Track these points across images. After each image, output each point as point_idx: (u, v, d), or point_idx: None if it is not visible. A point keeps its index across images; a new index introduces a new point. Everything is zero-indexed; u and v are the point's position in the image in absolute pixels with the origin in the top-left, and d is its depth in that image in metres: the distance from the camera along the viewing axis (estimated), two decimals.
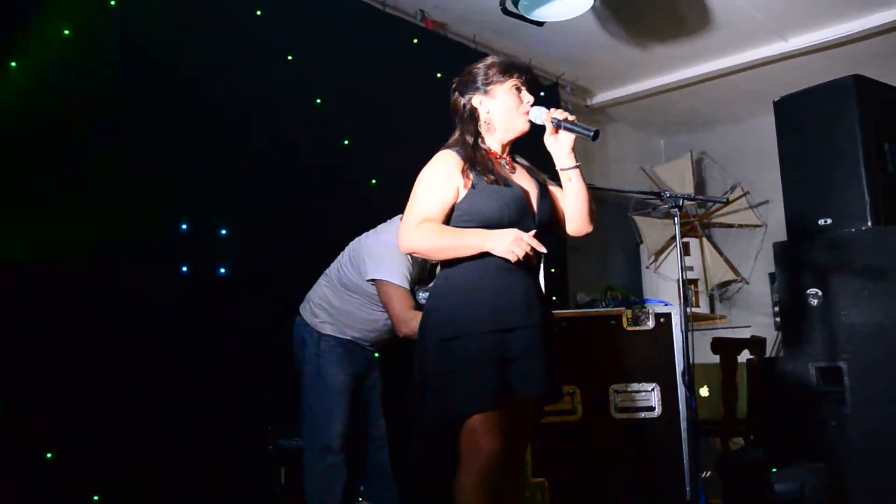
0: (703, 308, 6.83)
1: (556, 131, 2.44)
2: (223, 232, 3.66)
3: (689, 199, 2.74)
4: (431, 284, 2.59)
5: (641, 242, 6.87)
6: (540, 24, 4.31)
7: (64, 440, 2.98)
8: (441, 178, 2.36)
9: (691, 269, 6.77)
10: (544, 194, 2.49)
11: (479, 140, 2.47)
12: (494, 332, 2.26)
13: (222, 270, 3.63)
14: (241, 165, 3.74)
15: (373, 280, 3.26)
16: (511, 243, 2.24)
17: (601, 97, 6.38)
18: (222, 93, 3.70)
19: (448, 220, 2.38)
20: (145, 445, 3.19)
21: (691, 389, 2.56)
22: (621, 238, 6.97)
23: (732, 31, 5.25)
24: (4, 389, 2.85)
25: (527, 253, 2.25)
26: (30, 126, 3.09)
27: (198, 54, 3.63)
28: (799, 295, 3.75)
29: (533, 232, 2.30)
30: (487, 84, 2.45)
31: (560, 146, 2.46)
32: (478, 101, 2.47)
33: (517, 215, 2.35)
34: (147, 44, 3.47)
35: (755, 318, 6.77)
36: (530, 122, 2.49)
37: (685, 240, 6.82)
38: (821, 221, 3.77)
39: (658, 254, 6.83)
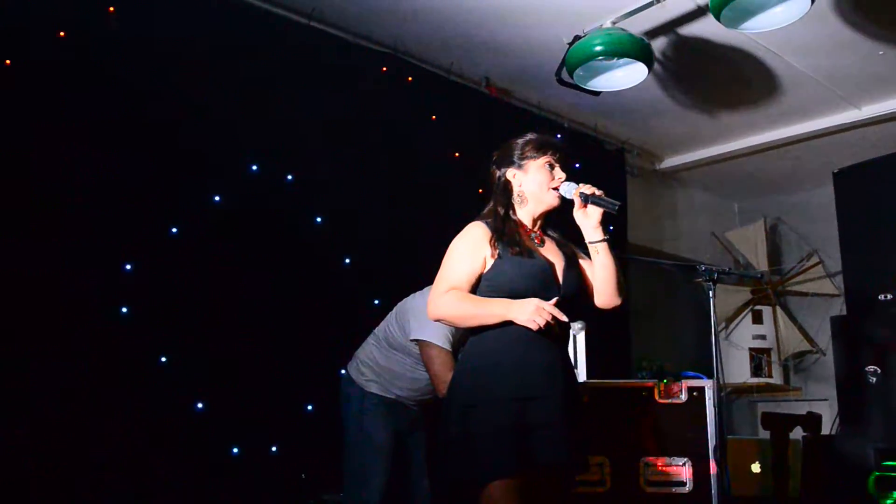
0: (777, 379, 6.62)
1: (585, 206, 2.50)
2: None
3: (724, 272, 2.71)
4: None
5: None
6: (596, 93, 4.38)
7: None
8: (469, 249, 2.46)
9: (763, 337, 6.60)
10: (571, 266, 2.55)
11: (511, 212, 2.57)
12: (515, 401, 2.31)
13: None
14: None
15: (416, 340, 3.34)
16: (532, 312, 2.31)
17: (669, 162, 6.37)
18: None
19: (475, 290, 2.47)
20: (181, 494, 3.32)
21: (722, 465, 2.52)
22: (692, 304, 6.86)
23: (800, 99, 5.20)
24: None
25: (548, 322, 2.30)
26: None
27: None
28: (857, 371, 3.63)
29: (554, 300, 2.35)
30: (522, 159, 2.56)
31: (588, 220, 2.52)
32: (511, 174, 2.57)
33: (540, 286, 2.42)
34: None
35: (833, 391, 6.51)
36: (560, 196, 2.55)
37: (758, 307, 6.68)
38: (881, 296, 3.67)
39: (729, 321, 6.69)
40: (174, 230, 3.55)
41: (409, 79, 4.59)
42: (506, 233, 2.48)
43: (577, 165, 5.21)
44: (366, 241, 4.17)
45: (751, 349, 6.55)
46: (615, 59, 4.01)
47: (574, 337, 3.53)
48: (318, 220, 4.06)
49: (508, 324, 2.37)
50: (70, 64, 3.35)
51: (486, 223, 2.52)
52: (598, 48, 3.90)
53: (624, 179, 5.87)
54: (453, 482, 2.31)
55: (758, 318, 6.63)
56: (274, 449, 3.67)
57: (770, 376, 6.58)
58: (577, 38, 4.07)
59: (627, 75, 4.14)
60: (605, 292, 2.55)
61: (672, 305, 6.22)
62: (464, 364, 2.47)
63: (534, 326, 2.31)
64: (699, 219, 6.96)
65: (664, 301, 6.26)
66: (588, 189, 2.49)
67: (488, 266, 2.46)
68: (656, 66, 4.78)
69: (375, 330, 3.58)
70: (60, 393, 3.12)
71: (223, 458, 3.52)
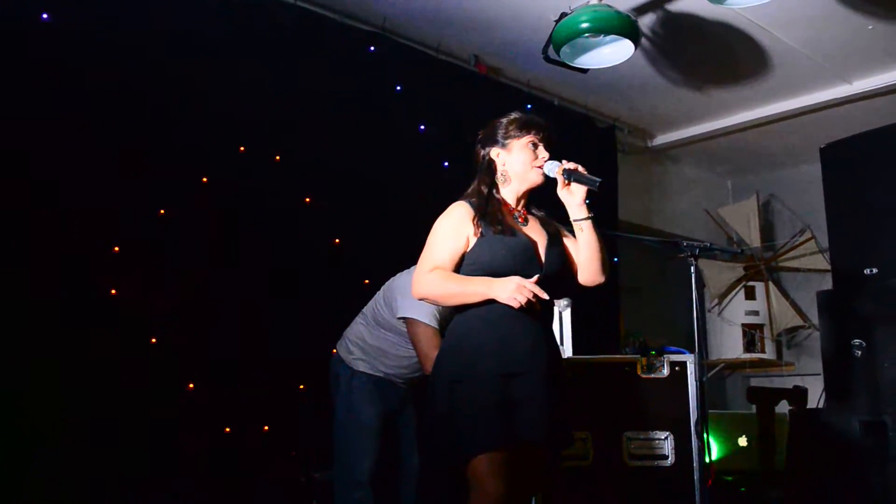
0: (770, 354, 6.66)
1: (568, 184, 2.52)
2: None
3: (706, 248, 2.73)
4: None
5: (705, 286, 6.76)
6: (584, 71, 4.37)
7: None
8: (452, 228, 2.48)
9: (756, 313, 6.63)
10: (554, 244, 2.56)
11: (494, 191, 2.58)
12: (500, 377, 2.34)
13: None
14: None
15: (403, 318, 3.37)
16: (514, 290, 2.33)
17: (661, 139, 6.36)
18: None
19: (459, 269, 2.49)
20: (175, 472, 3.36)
21: (703, 439, 2.55)
22: (684, 280, 6.87)
23: (791, 74, 5.19)
24: None
25: (530, 300, 2.32)
26: None
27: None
28: (843, 345, 3.66)
29: (535, 278, 2.37)
30: (506, 138, 2.58)
31: (573, 198, 2.53)
32: (495, 153, 2.59)
33: (522, 264, 2.43)
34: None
35: None
36: (545, 175, 2.56)
37: (750, 283, 6.70)
38: (867, 271, 3.68)
39: (722, 297, 6.71)
40: (162, 212, 3.57)
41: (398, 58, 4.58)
42: (489, 212, 2.49)
43: (567, 142, 5.28)
44: (357, 219, 4.18)
45: (743, 325, 6.58)
46: (602, 36, 3.99)
47: (560, 314, 3.56)
48: (308, 199, 4.07)
49: (492, 302, 2.39)
50: (58, 51, 3.36)
51: (470, 202, 2.54)
52: (585, 25, 3.88)
53: (615, 157, 5.86)
54: (441, 457, 2.34)
55: (751, 294, 6.66)
56: (266, 428, 3.71)
57: (763, 352, 6.61)
58: (563, 14, 4.05)
59: (614, 52, 4.12)
60: (589, 270, 2.56)
61: (664, 281, 6.24)
62: (449, 342, 2.50)
63: (515, 304, 2.33)
64: (692, 196, 6.96)
65: (656, 277, 6.28)
66: (571, 166, 2.51)
67: (471, 245, 2.47)
68: (646, 42, 4.77)
69: (364, 309, 3.61)
70: (49, 368, 3.16)
71: (216, 436, 3.55)
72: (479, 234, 2.46)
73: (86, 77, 3.41)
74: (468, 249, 2.48)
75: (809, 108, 5.59)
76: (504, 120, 2.62)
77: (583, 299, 5.12)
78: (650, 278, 6.26)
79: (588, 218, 2.54)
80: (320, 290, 3.94)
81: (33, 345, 3.13)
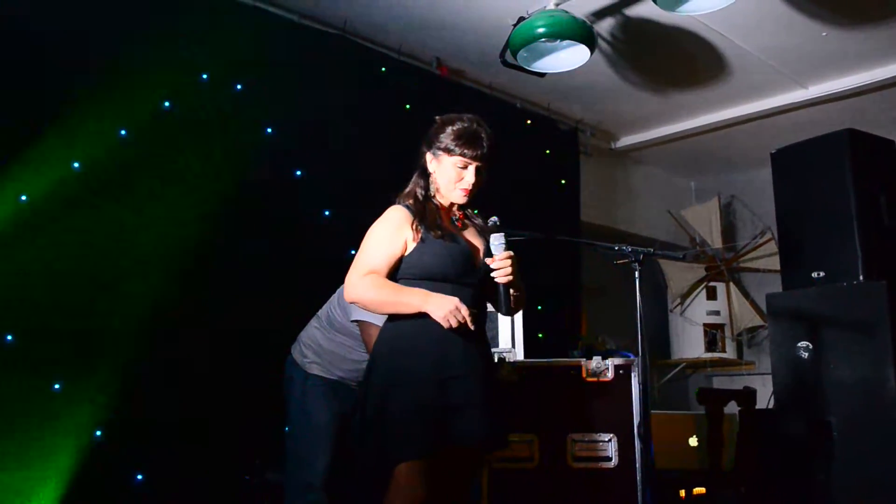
0: (730, 354, 6.75)
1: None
2: None
3: (650, 254, 2.77)
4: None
5: (666, 286, 6.85)
6: (541, 75, 4.41)
7: None
8: (390, 233, 2.44)
9: (717, 313, 6.73)
10: (488, 253, 2.51)
11: (430, 195, 2.54)
12: (435, 381, 2.33)
13: None
14: None
15: (357, 321, 3.38)
16: (449, 313, 2.31)
17: (625, 141, 6.43)
18: None
19: (395, 273, 2.46)
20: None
21: (646, 440, 2.60)
22: (649, 281, 6.97)
23: (748, 79, 5.27)
24: None
25: (461, 323, 2.33)
26: None
27: None
28: (791, 347, 3.73)
29: (468, 314, 2.34)
30: (440, 149, 2.49)
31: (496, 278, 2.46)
32: (429, 159, 2.54)
33: (461, 270, 2.43)
34: None
35: None
36: (467, 197, 2.49)
37: (711, 284, 6.79)
38: (814, 274, 3.76)
39: (684, 297, 6.80)
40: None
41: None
42: (427, 216, 2.46)
43: (530, 144, 5.31)
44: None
45: (705, 325, 6.68)
46: (558, 41, 4.04)
47: (512, 319, 3.59)
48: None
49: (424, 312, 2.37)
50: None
51: (407, 206, 2.50)
52: (541, 30, 3.92)
53: (577, 159, 5.92)
54: (374, 461, 2.32)
55: (712, 295, 6.75)
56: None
57: (724, 351, 6.71)
58: (521, 19, 4.09)
59: (571, 57, 4.17)
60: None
61: (626, 283, 6.28)
62: (381, 347, 2.47)
63: (446, 325, 2.32)
64: (656, 197, 7.04)
65: (619, 278, 6.33)
66: (502, 277, 2.43)
67: (409, 249, 2.44)
68: (606, 46, 4.82)
69: (318, 312, 3.61)
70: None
71: (166, 430, 3.55)
72: (418, 239, 2.43)
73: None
74: (406, 253, 2.45)
75: (767, 112, 5.67)
76: (449, 128, 2.50)
77: (548, 301, 5.23)
78: (614, 279, 6.32)
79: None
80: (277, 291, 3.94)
81: None
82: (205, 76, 3.94)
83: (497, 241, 2.43)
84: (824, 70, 5.18)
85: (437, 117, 2.58)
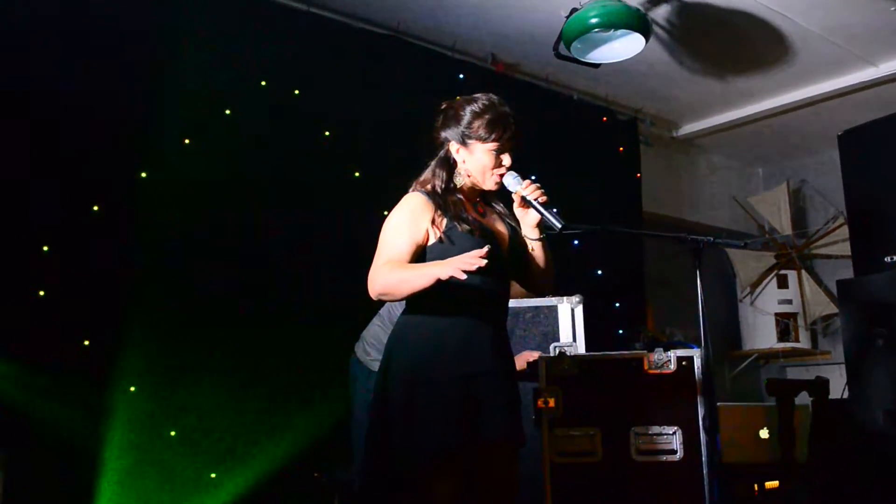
0: (804, 343, 6.56)
1: (525, 206, 2.38)
2: None
3: (710, 243, 2.71)
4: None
5: (735, 276, 6.70)
6: (596, 66, 4.36)
7: None
8: (408, 221, 2.32)
9: (790, 302, 6.55)
10: (516, 243, 2.45)
11: (452, 185, 2.40)
12: (461, 378, 2.25)
13: None
14: None
15: None
16: (464, 264, 2.09)
17: (687, 129, 6.31)
18: None
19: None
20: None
21: (711, 433, 2.56)
22: (718, 270, 6.82)
23: (813, 59, 5.12)
24: None
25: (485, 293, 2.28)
26: None
27: None
28: (864, 334, 3.60)
29: (486, 250, 2.15)
30: (469, 137, 2.34)
31: (527, 219, 2.40)
32: (455, 148, 2.38)
33: (492, 265, 2.19)
34: None
35: None
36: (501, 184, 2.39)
37: (783, 272, 6.61)
38: (887, 258, 3.62)
39: (754, 286, 6.64)
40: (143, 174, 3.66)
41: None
42: (450, 208, 2.33)
43: (588, 136, 5.26)
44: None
45: (776, 314, 6.50)
46: (612, 31, 3.99)
47: (572, 310, 3.57)
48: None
49: (448, 303, 2.28)
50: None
51: (426, 193, 2.36)
52: (594, 20, 3.89)
53: (637, 149, 5.84)
54: (397, 461, 2.24)
55: (783, 283, 6.57)
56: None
57: (797, 341, 6.52)
58: (574, 10, 4.05)
59: (625, 46, 4.12)
60: (532, 284, 2.51)
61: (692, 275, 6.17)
62: (401, 342, 2.35)
63: (461, 275, 2.10)
64: (722, 184, 6.89)
65: (686, 271, 6.22)
66: (532, 194, 2.33)
67: (432, 239, 2.31)
68: (662, 33, 4.74)
69: (380, 310, 3.66)
70: None
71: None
72: (442, 230, 2.29)
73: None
74: (429, 244, 2.31)
75: (835, 92, 5.50)
76: (469, 110, 2.35)
77: (607, 294, 5.18)
78: (681, 271, 6.21)
79: (540, 240, 2.42)
80: (338, 291, 4.00)
81: None
82: (263, 83, 4.03)
83: (511, 177, 2.34)
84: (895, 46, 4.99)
85: (444, 103, 2.44)
